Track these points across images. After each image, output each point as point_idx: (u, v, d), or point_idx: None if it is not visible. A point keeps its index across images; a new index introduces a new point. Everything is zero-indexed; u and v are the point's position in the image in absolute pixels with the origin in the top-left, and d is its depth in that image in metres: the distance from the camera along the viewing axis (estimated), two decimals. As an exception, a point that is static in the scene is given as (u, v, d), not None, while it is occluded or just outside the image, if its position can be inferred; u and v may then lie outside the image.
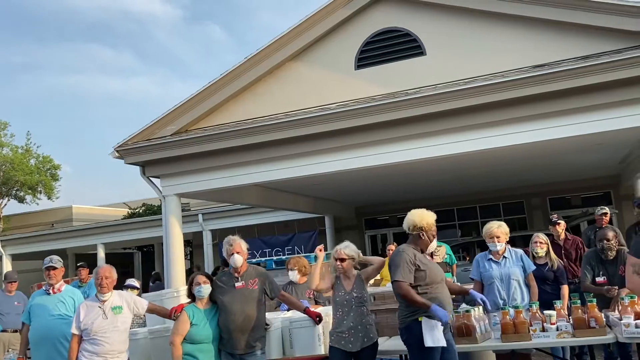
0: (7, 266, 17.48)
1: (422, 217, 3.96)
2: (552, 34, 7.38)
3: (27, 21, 61.90)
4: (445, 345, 3.68)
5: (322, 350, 4.31)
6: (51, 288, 4.84)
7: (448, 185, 12.76)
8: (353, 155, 7.87)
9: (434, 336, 3.60)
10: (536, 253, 5.36)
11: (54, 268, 4.80)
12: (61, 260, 4.94)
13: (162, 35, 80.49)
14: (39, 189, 24.10)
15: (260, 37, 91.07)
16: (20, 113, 61.23)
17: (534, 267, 4.92)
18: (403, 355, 4.57)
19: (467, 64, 7.70)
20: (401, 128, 7.54)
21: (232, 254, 4.27)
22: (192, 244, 17.89)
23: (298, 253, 14.04)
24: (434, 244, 4.04)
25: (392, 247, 7.96)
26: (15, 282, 7.33)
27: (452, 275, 7.53)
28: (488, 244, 4.90)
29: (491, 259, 4.88)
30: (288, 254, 14.54)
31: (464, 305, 4.33)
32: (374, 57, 8.23)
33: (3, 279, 7.52)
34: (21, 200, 24.49)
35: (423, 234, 3.93)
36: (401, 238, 12.46)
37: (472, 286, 4.84)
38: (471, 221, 15.38)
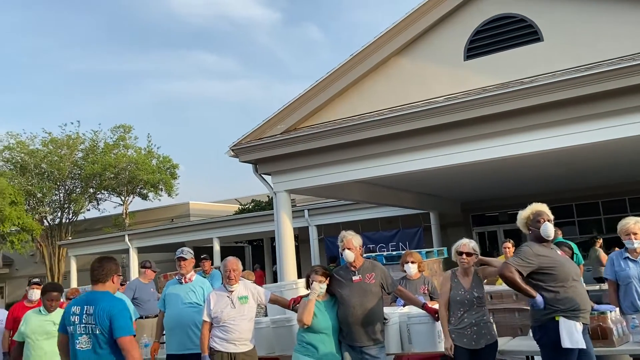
0: (134, 258, 19.12)
1: (525, 212, 3.90)
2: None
3: (135, 32, 67.24)
4: (584, 347, 3.47)
5: (442, 347, 4.25)
6: (183, 278, 5.15)
7: (565, 179, 11.97)
8: (462, 149, 7.64)
9: (573, 337, 3.40)
10: (678, 252, 4.85)
11: (183, 259, 5.11)
12: (191, 252, 5.24)
13: (262, 38, 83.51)
14: (160, 187, 26.20)
15: (356, 34, 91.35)
16: (135, 117, 66.72)
17: None
18: (529, 357, 4.37)
19: (588, 49, 7.18)
20: (515, 120, 7.19)
21: (344, 249, 4.39)
22: (299, 239, 18.41)
23: (402, 249, 13.93)
24: (551, 230, 3.78)
25: (508, 244, 7.63)
26: (151, 268, 7.84)
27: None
28: (624, 242, 4.54)
29: (628, 257, 4.53)
30: (392, 250, 14.47)
31: (597, 306, 4.05)
32: (485, 47, 7.93)
33: (140, 267, 8.10)
34: (144, 197, 26.77)
35: (537, 224, 3.79)
36: (512, 235, 11.95)
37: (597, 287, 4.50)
38: (592, 218, 14.30)
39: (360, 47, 8.75)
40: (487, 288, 6.38)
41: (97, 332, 3.47)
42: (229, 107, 77.54)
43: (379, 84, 8.82)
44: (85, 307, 3.55)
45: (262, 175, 9.38)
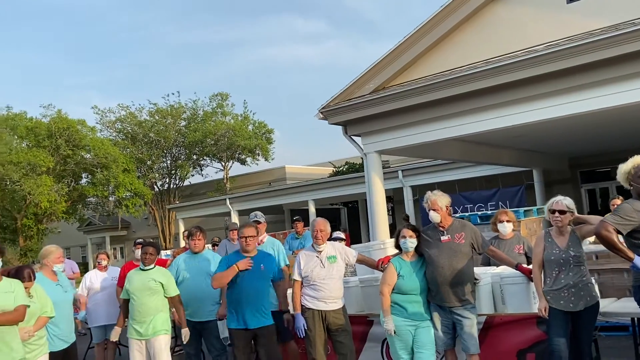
0: (236, 220, 20.12)
1: (626, 166, 3.61)
2: None
3: (223, 1, 68.60)
4: None
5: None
6: None
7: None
8: (568, 100, 7.06)
9: None
10: None
11: (258, 222, 5.40)
12: (256, 216, 5.50)
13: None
14: (257, 152, 27.23)
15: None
16: (230, 85, 68.96)
17: None
18: (635, 319, 4.05)
19: None
20: (628, 65, 6.49)
21: (429, 210, 4.29)
22: (393, 200, 18.30)
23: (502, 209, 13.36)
24: None
25: (617, 201, 7.05)
26: (237, 230, 8.23)
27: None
28: None
29: None
30: (491, 210, 13.93)
31: None
32: (592, -15, 7.16)
33: (226, 229, 8.52)
34: (243, 162, 27.99)
35: (639, 179, 3.50)
36: (625, 192, 11.03)
37: None
38: None
39: (452, -4, 8.28)
40: (593, 248, 5.99)
41: None
42: (319, 69, 77.95)
43: (472, 34, 8.34)
44: None
45: (352, 136, 9.33)
